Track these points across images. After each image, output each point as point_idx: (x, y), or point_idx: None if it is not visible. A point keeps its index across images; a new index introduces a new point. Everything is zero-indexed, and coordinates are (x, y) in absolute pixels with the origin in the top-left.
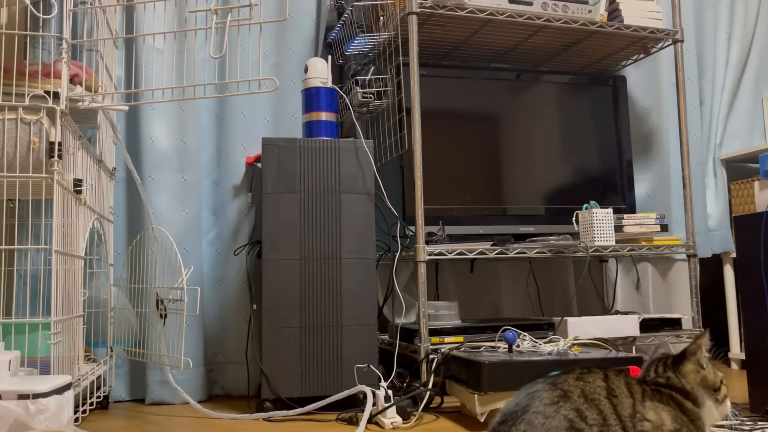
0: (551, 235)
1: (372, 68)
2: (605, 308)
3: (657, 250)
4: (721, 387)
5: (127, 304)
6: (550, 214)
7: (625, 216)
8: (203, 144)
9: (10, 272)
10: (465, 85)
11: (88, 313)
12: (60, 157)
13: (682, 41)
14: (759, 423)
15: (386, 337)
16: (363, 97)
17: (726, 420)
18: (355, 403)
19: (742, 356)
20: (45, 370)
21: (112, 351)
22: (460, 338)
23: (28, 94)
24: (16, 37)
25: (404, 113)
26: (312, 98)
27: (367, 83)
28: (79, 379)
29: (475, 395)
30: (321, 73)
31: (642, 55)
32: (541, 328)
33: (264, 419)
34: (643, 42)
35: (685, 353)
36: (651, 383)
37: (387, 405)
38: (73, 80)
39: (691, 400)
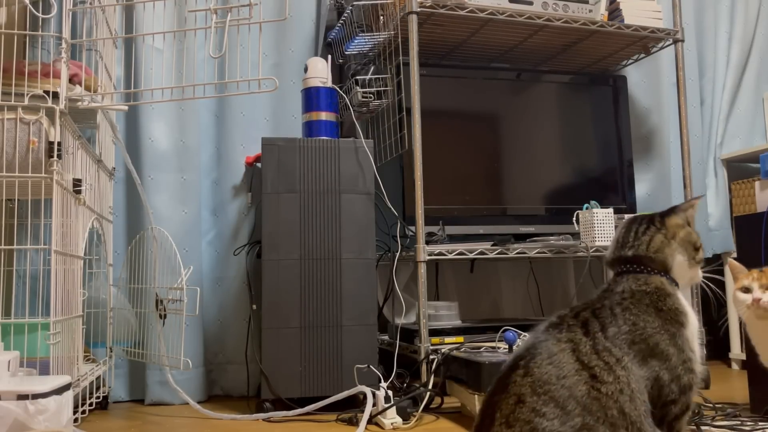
0: (551, 235)
1: (372, 68)
2: None
3: None
4: (700, 249)
5: (127, 305)
6: (551, 214)
7: (626, 216)
8: (203, 144)
9: (10, 272)
10: (465, 84)
11: (87, 313)
12: (59, 156)
13: (682, 41)
14: (759, 423)
15: (386, 337)
16: (363, 97)
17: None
18: (355, 403)
19: (743, 356)
20: (44, 370)
21: (111, 351)
22: (461, 338)
23: (27, 94)
24: (16, 37)
25: (404, 113)
26: (312, 98)
27: (367, 83)
28: (79, 379)
29: (476, 396)
30: (321, 72)
31: (642, 55)
32: None
33: (264, 420)
34: (644, 42)
35: (676, 208)
36: (619, 299)
37: (387, 405)
38: (73, 80)
39: (667, 278)
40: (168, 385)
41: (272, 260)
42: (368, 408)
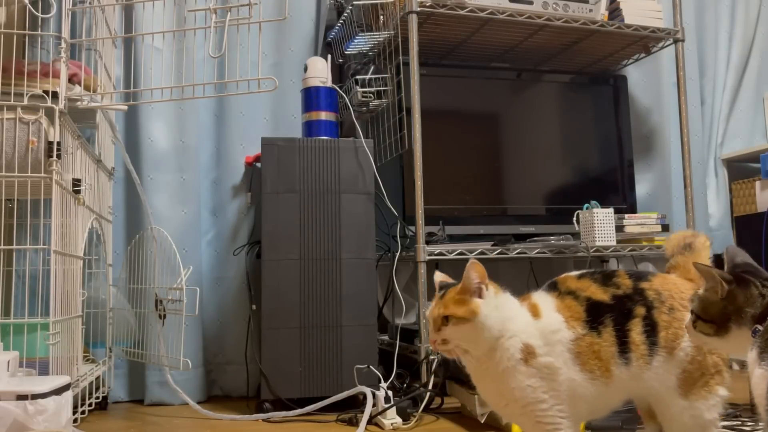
0: (552, 235)
1: (372, 67)
2: None
3: (658, 250)
4: None
5: (126, 305)
6: (551, 214)
7: (626, 216)
8: (202, 144)
9: (9, 272)
10: (465, 84)
11: (87, 313)
12: (59, 156)
13: (683, 40)
14: (760, 423)
15: (386, 337)
16: (363, 97)
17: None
18: (355, 404)
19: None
20: (44, 370)
21: (111, 351)
22: None
23: (26, 94)
24: (15, 37)
25: (404, 113)
26: (312, 98)
27: (367, 83)
28: (78, 379)
29: (476, 396)
30: (321, 72)
31: (643, 55)
32: None
33: (263, 420)
34: (644, 41)
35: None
36: None
37: (387, 406)
38: (72, 80)
39: None
40: (167, 386)
41: (272, 260)
42: (368, 408)
